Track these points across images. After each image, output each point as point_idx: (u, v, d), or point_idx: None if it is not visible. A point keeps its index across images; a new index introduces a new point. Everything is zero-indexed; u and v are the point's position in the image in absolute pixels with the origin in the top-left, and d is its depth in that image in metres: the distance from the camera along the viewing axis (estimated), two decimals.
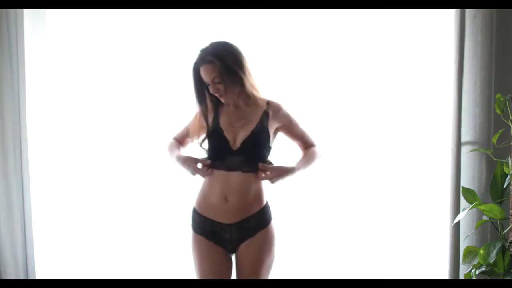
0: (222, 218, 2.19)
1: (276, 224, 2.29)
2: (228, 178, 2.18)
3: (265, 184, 2.27)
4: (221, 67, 2.12)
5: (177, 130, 2.43)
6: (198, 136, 2.28)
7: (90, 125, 3.00)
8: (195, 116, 2.30)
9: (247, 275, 2.21)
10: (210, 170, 2.21)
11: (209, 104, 2.24)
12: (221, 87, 2.16)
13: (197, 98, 2.23)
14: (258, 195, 2.22)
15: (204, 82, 2.19)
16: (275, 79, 2.80)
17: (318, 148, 2.37)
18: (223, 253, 2.24)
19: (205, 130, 2.24)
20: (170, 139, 2.42)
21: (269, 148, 2.27)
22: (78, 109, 2.99)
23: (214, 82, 2.16)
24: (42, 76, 2.89)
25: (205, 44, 2.20)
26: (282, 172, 2.21)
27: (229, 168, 2.18)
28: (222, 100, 2.22)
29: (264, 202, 2.25)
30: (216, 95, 2.20)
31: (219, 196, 2.18)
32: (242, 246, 2.21)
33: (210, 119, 2.24)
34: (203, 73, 2.16)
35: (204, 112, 2.24)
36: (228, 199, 2.18)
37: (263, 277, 2.22)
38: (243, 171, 2.18)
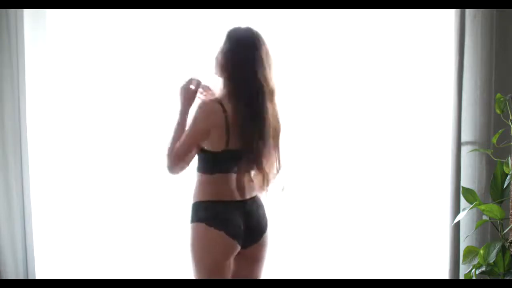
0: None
1: (273, 226, 2.24)
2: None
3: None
4: None
5: None
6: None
7: (90, 125, 2.99)
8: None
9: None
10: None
11: None
12: None
13: None
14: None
15: None
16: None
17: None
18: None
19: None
20: None
21: None
22: (78, 109, 2.99)
23: None
24: (42, 76, 2.89)
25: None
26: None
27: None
28: None
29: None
30: None
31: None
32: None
33: None
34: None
35: None
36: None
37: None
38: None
